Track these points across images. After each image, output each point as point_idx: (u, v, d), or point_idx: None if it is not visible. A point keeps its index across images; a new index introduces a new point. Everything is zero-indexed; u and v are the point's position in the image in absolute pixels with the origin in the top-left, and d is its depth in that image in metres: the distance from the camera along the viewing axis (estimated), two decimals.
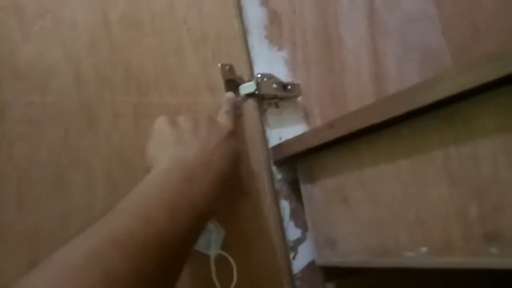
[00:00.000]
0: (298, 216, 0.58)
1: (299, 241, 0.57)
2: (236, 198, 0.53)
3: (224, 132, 0.45)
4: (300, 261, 0.56)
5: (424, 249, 0.40)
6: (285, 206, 0.57)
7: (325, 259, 0.53)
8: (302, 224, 0.57)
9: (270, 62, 0.62)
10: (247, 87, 0.57)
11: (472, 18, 0.75)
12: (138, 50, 0.51)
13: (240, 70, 0.58)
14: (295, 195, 0.58)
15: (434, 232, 0.39)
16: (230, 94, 0.55)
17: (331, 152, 0.49)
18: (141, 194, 0.36)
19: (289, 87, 0.59)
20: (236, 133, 0.49)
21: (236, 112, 0.54)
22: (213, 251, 0.49)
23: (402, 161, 0.41)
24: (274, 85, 0.58)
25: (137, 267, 0.30)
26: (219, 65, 0.56)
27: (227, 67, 0.56)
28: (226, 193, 0.43)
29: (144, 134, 0.46)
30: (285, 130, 0.60)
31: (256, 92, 0.56)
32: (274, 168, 0.58)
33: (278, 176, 0.58)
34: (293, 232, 0.57)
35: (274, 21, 0.64)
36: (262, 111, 0.59)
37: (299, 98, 0.62)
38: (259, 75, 0.57)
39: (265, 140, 0.58)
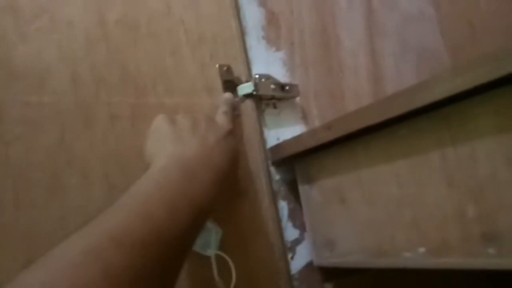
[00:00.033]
0: (296, 217, 0.58)
1: (297, 241, 0.57)
2: (234, 198, 0.53)
3: (223, 131, 0.45)
4: (298, 261, 0.56)
5: (421, 250, 0.40)
6: (283, 206, 0.57)
7: (323, 259, 0.53)
8: (300, 225, 0.57)
9: (268, 62, 0.62)
10: (245, 88, 0.56)
11: (469, 19, 0.75)
12: (135, 51, 0.51)
13: (238, 70, 0.58)
14: (293, 196, 0.58)
15: (432, 233, 0.39)
16: (228, 95, 0.55)
17: (329, 153, 0.49)
18: (139, 191, 0.36)
19: (287, 87, 0.59)
20: (234, 132, 0.49)
21: (234, 112, 0.54)
22: (212, 251, 0.48)
23: (399, 161, 0.41)
24: (272, 86, 0.58)
25: (135, 265, 0.29)
26: (217, 65, 0.56)
27: (225, 68, 0.56)
28: (224, 191, 0.43)
29: (141, 135, 0.46)
30: (283, 131, 0.60)
31: (254, 93, 0.56)
32: (272, 169, 0.58)
33: (276, 176, 0.58)
34: (291, 233, 0.57)
35: (272, 21, 0.64)
36: (260, 112, 0.59)
37: (297, 99, 0.62)
38: (257, 76, 0.57)
39: (263, 140, 0.58)
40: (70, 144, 0.45)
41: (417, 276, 0.57)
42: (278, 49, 0.63)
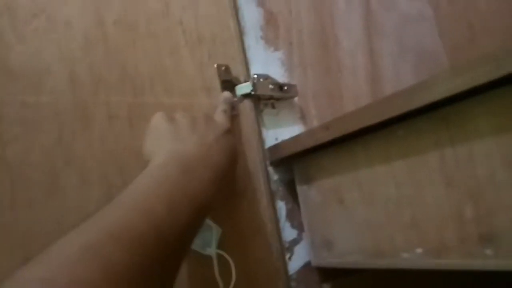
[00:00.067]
0: (294, 217, 0.58)
1: (295, 241, 0.57)
2: (232, 197, 0.53)
3: (221, 129, 0.45)
4: (296, 261, 0.56)
5: (419, 250, 0.40)
6: (281, 206, 0.57)
7: (321, 260, 0.53)
8: (298, 225, 0.57)
9: (266, 62, 0.62)
10: (243, 88, 0.56)
11: (468, 19, 0.75)
12: (134, 51, 0.51)
13: (236, 70, 0.58)
14: (291, 196, 0.58)
15: (430, 233, 0.39)
16: (227, 94, 0.55)
17: (327, 153, 0.49)
18: (138, 188, 0.36)
19: (285, 87, 0.59)
20: (232, 131, 0.49)
21: (233, 112, 0.54)
22: (213, 250, 0.48)
23: (397, 162, 0.41)
24: (271, 86, 0.58)
25: (134, 261, 0.29)
26: (215, 65, 0.56)
27: (223, 68, 0.56)
28: (223, 189, 0.43)
29: (139, 135, 0.46)
30: (281, 131, 0.60)
31: (253, 93, 0.56)
32: (270, 169, 0.57)
33: (275, 176, 0.58)
34: (289, 233, 0.57)
35: (270, 22, 0.64)
36: (258, 112, 0.58)
37: (296, 99, 0.62)
38: (255, 76, 0.57)
39: (261, 140, 0.58)
40: (68, 144, 0.44)
41: (415, 276, 0.57)
42: (276, 49, 0.63)
